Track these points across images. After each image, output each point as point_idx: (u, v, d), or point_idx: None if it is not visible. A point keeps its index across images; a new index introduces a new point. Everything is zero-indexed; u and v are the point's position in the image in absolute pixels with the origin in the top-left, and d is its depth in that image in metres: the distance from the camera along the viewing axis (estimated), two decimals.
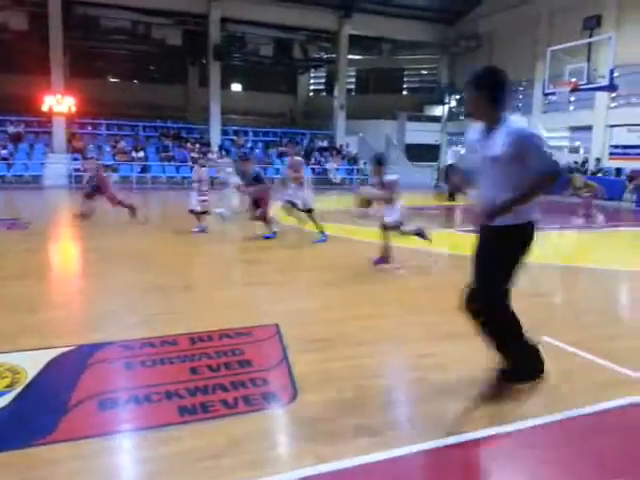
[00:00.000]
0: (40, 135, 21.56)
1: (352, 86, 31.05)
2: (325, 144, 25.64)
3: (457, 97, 27.05)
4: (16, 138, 20.67)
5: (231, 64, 26.15)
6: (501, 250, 2.87)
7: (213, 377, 3.18)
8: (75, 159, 19.56)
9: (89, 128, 22.80)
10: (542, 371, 2.98)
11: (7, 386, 2.97)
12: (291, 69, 30.65)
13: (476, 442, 2.58)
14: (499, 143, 2.73)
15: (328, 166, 23.62)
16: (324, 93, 32.23)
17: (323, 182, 21.19)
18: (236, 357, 3.49)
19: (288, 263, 7.20)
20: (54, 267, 6.95)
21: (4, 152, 19.50)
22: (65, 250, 8.08)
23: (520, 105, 22.27)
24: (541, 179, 2.73)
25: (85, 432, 2.57)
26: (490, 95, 2.78)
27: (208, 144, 23.14)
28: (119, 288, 5.35)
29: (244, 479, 2.26)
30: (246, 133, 25.48)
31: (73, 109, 21.31)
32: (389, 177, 6.26)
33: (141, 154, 21.40)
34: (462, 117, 25.96)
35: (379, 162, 6.32)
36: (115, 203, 10.02)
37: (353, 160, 24.65)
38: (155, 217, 12.26)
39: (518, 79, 21.51)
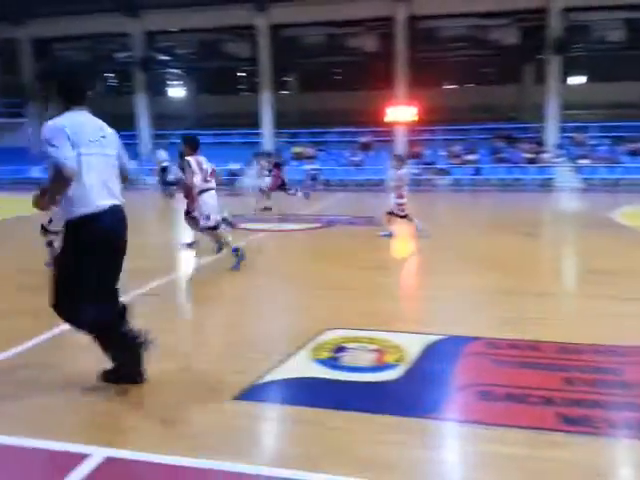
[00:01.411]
0: (385, 143, 24.26)
1: None
2: None
3: None
4: (365, 147, 23.78)
5: (571, 56, 24.17)
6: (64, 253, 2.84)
7: (591, 392, 3.05)
8: (414, 164, 21.33)
9: (426, 135, 24.47)
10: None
11: (396, 360, 3.48)
12: None
13: None
14: None
15: None
16: None
17: None
18: (615, 376, 3.26)
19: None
20: (405, 261, 7.74)
21: (356, 159, 22.74)
22: (415, 247, 8.88)
23: None
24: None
25: (468, 417, 2.81)
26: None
27: (542, 143, 22.00)
28: (470, 287, 5.60)
29: None
30: (586, 129, 23.16)
31: (414, 118, 23.26)
32: None
33: (474, 157, 21.83)
34: None
35: None
36: None
37: None
38: (492, 219, 12.37)
39: None
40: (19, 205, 10.69)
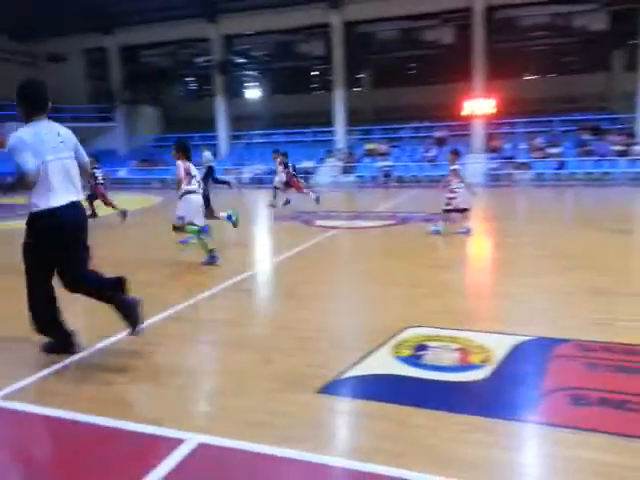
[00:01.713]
0: (461, 137, 23.61)
1: None
2: None
3: None
4: (440, 142, 23.26)
5: None
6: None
7: None
8: (492, 158, 20.66)
9: (505, 128, 23.56)
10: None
11: (482, 361, 3.38)
12: None
13: None
14: None
15: None
16: None
17: None
18: None
19: None
20: (485, 259, 7.50)
21: (430, 155, 22.29)
22: (494, 244, 8.59)
23: None
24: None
25: (558, 421, 2.68)
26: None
27: (634, 135, 20.53)
28: (554, 286, 5.34)
29: None
30: None
31: (492, 111, 22.46)
32: None
33: (557, 150, 20.76)
34: None
35: None
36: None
37: None
38: (577, 215, 11.73)
39: None
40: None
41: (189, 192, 6.63)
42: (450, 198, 8.47)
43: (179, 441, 2.49)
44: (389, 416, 2.76)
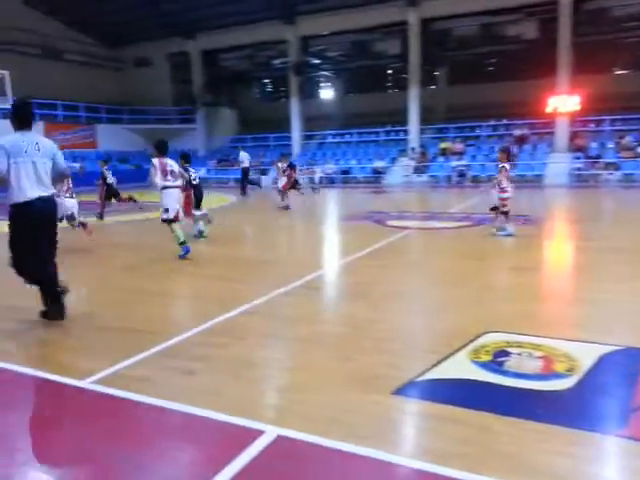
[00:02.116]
0: (543, 136, 22.58)
1: None
2: None
3: None
4: (520, 140, 22.37)
5: None
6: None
7: None
8: (577, 157, 19.61)
9: (592, 125, 22.28)
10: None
11: (567, 370, 3.24)
12: None
13: None
14: None
15: None
16: None
17: None
18: None
19: None
20: (567, 262, 7.14)
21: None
22: (577, 247, 8.17)
23: None
24: None
25: None
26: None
27: None
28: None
29: None
30: None
31: (577, 108, 21.31)
32: None
33: None
34: None
35: None
36: None
37: None
38: None
39: None
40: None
41: (166, 187, 7.15)
42: (504, 199, 8.40)
43: (260, 432, 2.58)
44: (467, 421, 2.71)
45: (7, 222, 4.30)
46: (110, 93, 29.24)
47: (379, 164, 24.22)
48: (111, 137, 27.88)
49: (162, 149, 7.29)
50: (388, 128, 26.24)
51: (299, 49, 26.60)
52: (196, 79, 29.45)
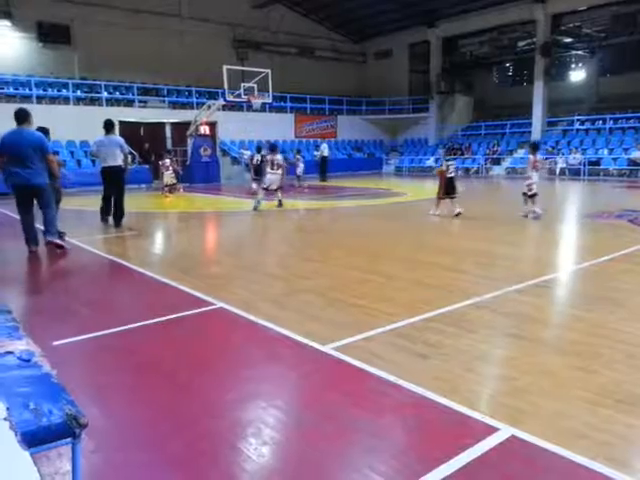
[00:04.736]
0: None
1: None
2: None
3: None
4: None
5: None
6: None
7: None
8: None
9: None
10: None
11: None
12: None
13: None
14: None
15: None
16: None
17: None
18: None
19: None
20: None
21: None
22: None
23: None
24: None
25: None
26: None
27: None
28: None
29: None
30: None
31: None
32: None
33: None
34: None
35: None
36: None
37: None
38: None
39: None
40: (414, 190, 12.08)
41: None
42: (529, 184, 9.78)
43: (493, 429, 2.53)
44: None
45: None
46: (351, 86, 31.17)
47: (636, 155, 20.97)
48: (349, 127, 29.81)
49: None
50: None
51: (548, 28, 24.44)
52: (433, 67, 29.40)
